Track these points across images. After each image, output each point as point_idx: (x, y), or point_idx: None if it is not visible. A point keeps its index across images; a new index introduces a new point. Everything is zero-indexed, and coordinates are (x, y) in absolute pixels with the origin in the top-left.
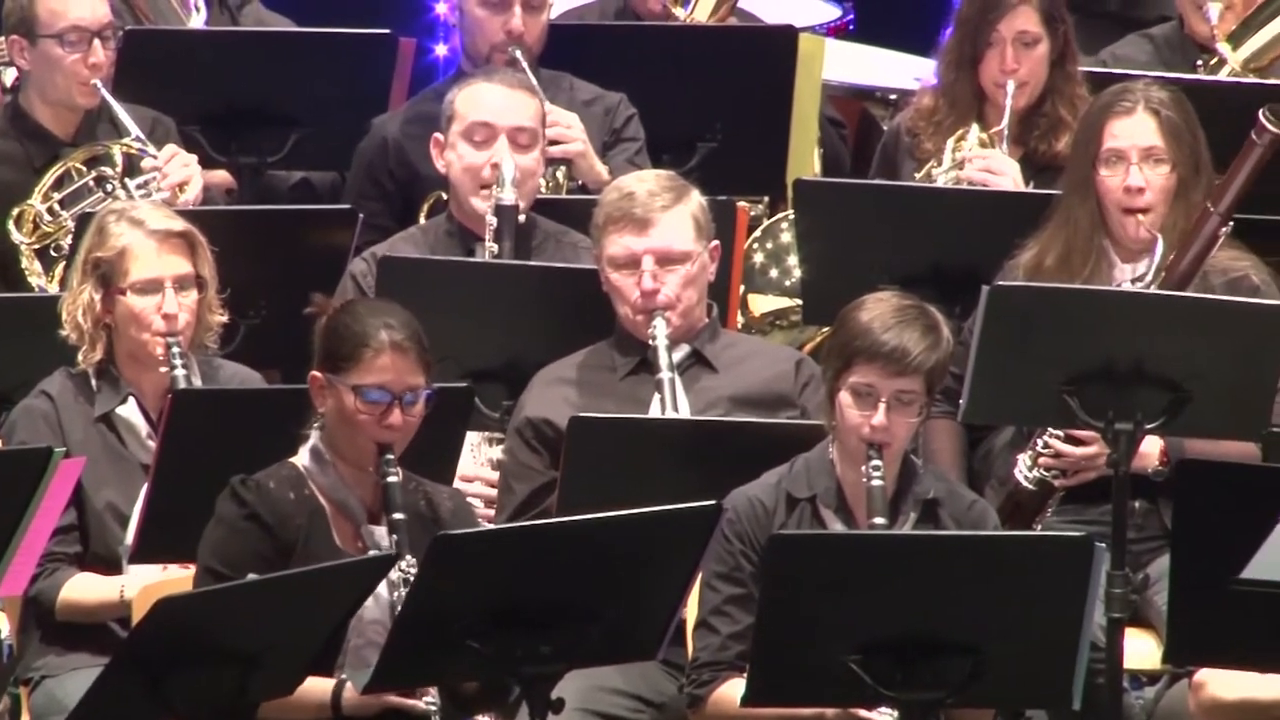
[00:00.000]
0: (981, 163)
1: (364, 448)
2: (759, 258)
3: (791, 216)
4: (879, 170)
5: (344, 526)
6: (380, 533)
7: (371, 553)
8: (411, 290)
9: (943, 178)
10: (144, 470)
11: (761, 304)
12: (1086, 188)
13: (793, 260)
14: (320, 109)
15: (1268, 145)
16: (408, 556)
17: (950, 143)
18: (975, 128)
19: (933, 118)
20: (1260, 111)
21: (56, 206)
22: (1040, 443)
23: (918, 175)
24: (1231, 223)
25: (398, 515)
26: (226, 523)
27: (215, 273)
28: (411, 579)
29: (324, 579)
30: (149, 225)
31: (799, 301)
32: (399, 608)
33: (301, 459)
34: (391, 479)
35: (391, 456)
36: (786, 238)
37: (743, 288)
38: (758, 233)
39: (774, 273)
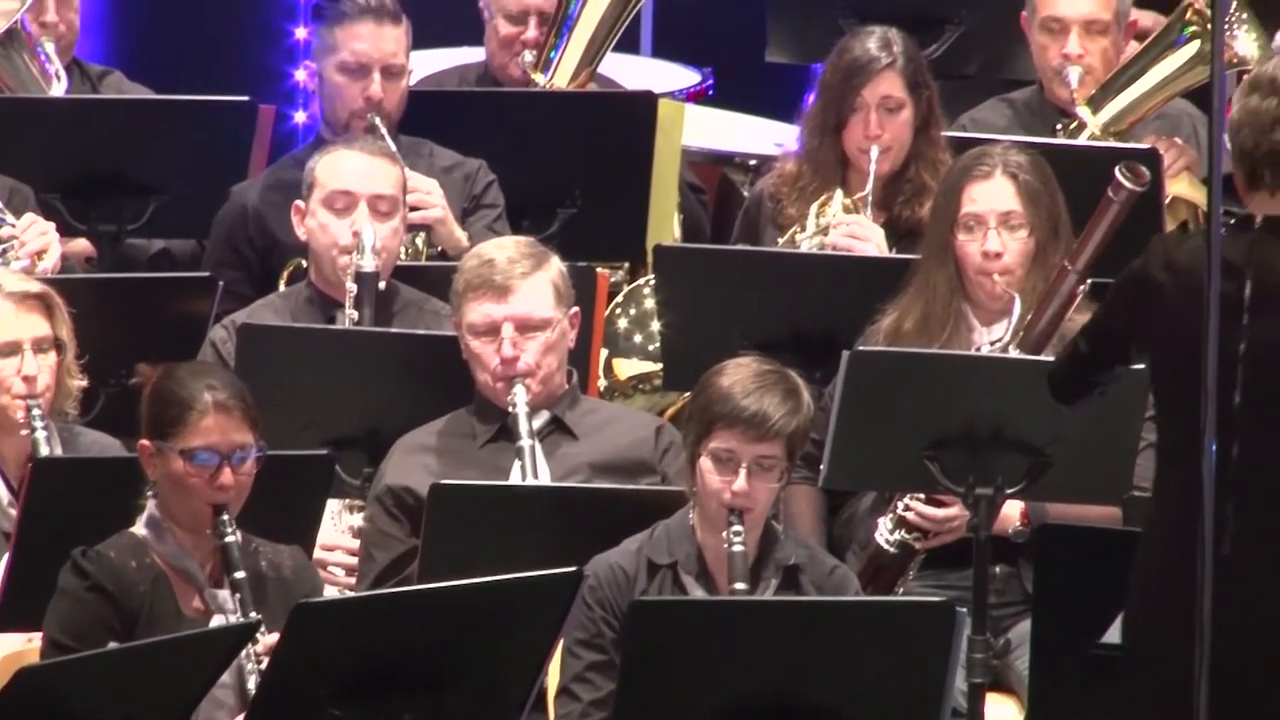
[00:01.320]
0: (846, 228)
1: (198, 511)
2: (623, 323)
3: (652, 281)
4: (741, 236)
5: (187, 592)
6: (224, 595)
7: (217, 617)
8: (272, 358)
9: (807, 243)
10: (4, 538)
11: (626, 368)
12: (945, 252)
13: (656, 325)
14: (179, 176)
15: (1124, 202)
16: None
17: (814, 208)
18: (839, 193)
19: (796, 183)
20: (1116, 168)
21: None
22: (901, 505)
23: (780, 240)
24: (1090, 281)
25: (239, 575)
26: (70, 595)
27: (73, 335)
28: (258, 641)
29: (185, 646)
30: (5, 288)
31: (660, 366)
32: (249, 672)
33: (139, 528)
34: (229, 539)
35: (227, 517)
36: (650, 303)
37: (606, 351)
38: (620, 298)
39: (638, 338)
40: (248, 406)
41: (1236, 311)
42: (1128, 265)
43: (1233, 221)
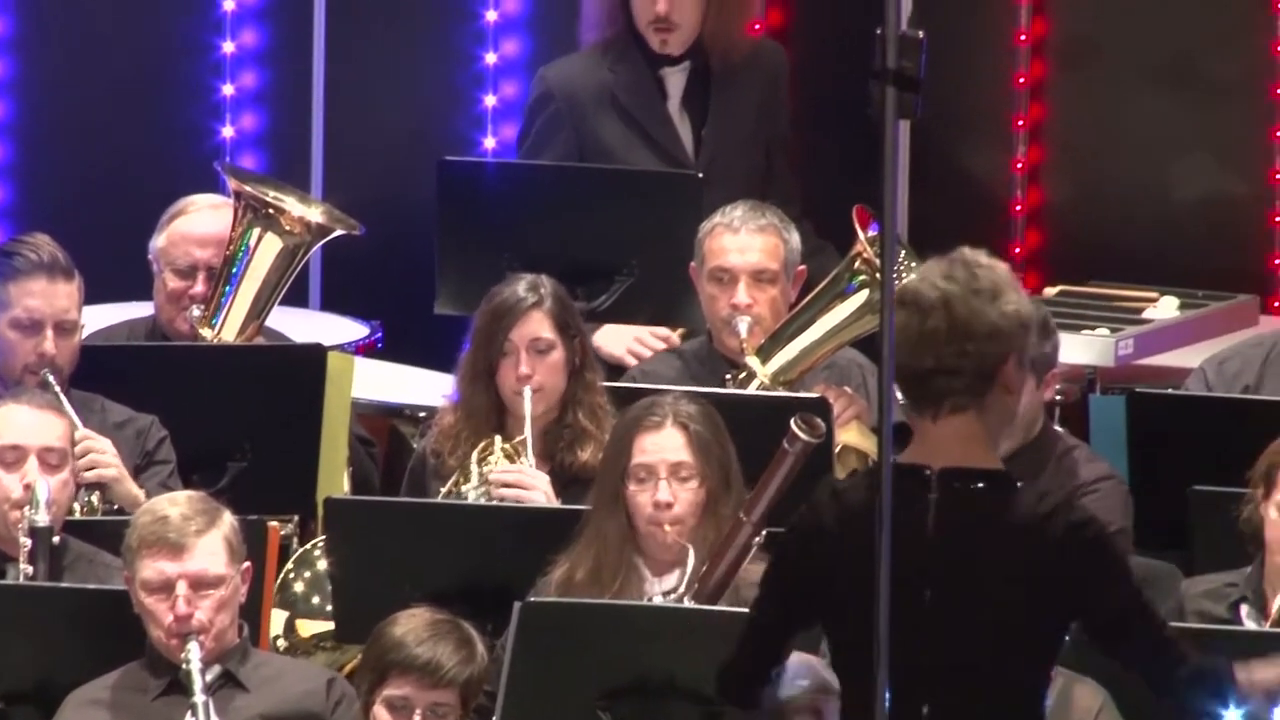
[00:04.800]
0: (510, 477)
1: None
2: (299, 586)
3: (323, 541)
4: (408, 493)
5: None
6: None
7: None
8: None
9: (473, 494)
10: None
11: (309, 627)
12: (616, 502)
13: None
14: None
15: (799, 453)
16: None
17: (475, 455)
18: (498, 439)
19: (454, 433)
20: (792, 420)
21: None
22: None
23: (444, 491)
24: (765, 532)
25: None
26: None
27: None
28: None
29: None
30: None
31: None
32: None
33: None
34: None
35: None
36: (323, 564)
37: (287, 614)
38: (291, 562)
39: (316, 599)
40: None
41: (917, 577)
42: (794, 516)
43: (902, 473)
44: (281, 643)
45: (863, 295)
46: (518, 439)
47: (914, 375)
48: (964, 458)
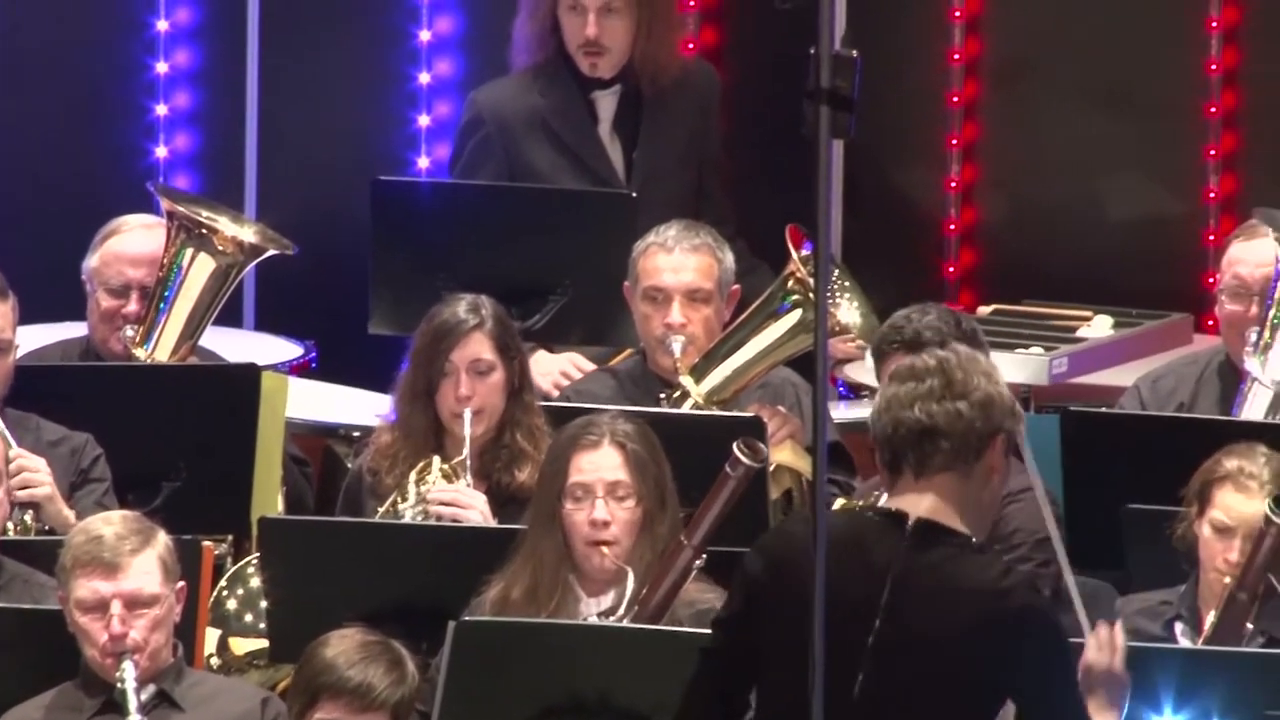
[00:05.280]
0: (447, 496)
1: None
2: (232, 604)
3: (257, 560)
4: (343, 512)
5: None
6: None
7: None
8: None
9: (410, 513)
10: None
11: (242, 645)
12: (553, 521)
13: (265, 603)
14: None
15: (741, 478)
16: None
17: (413, 475)
18: (436, 460)
19: (392, 453)
20: (734, 444)
21: None
22: None
23: (380, 510)
24: (704, 556)
25: None
26: None
27: None
28: None
29: None
30: None
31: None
32: None
33: None
34: None
35: None
36: (256, 582)
37: (220, 632)
38: (224, 580)
39: (249, 617)
40: None
41: (870, 612)
42: (761, 539)
43: (879, 516)
44: (215, 660)
45: (796, 314)
46: (456, 459)
47: (908, 431)
48: (939, 516)
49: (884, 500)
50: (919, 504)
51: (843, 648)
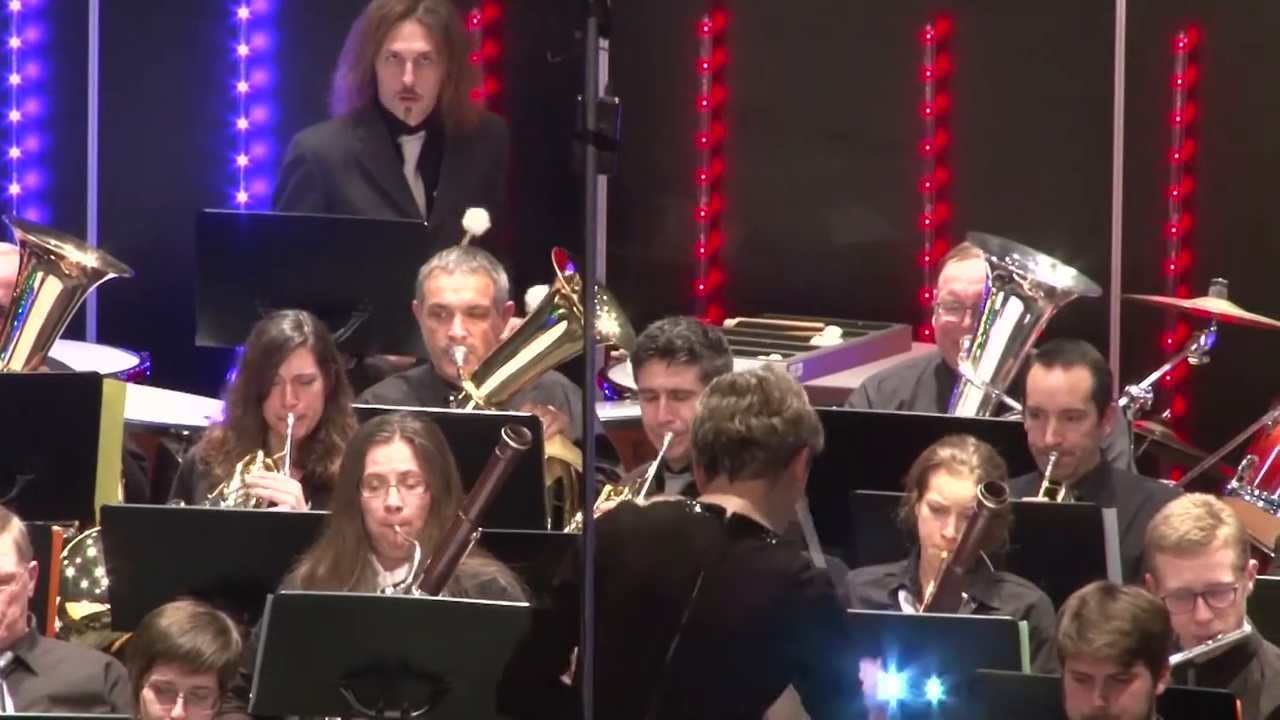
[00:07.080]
0: (266, 482)
1: None
2: (70, 571)
3: (95, 534)
4: (177, 494)
5: None
6: None
7: None
8: None
9: (233, 497)
10: None
11: (79, 610)
12: (353, 507)
13: (100, 571)
14: None
15: (509, 459)
16: None
17: (239, 467)
18: (260, 454)
19: (223, 447)
20: (502, 429)
21: None
22: None
23: (210, 496)
24: (480, 529)
25: None
26: None
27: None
28: None
29: None
30: None
31: (108, 606)
32: None
33: None
34: None
35: None
36: (92, 552)
37: (59, 597)
38: (66, 550)
39: (85, 583)
40: None
41: (687, 591)
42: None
43: (703, 509)
44: (57, 623)
45: (562, 326)
46: (278, 455)
47: (728, 440)
48: (750, 515)
49: (705, 495)
50: (732, 504)
51: (661, 621)
